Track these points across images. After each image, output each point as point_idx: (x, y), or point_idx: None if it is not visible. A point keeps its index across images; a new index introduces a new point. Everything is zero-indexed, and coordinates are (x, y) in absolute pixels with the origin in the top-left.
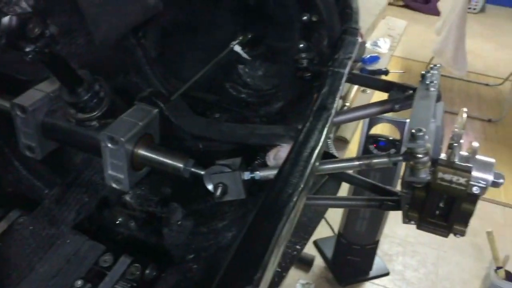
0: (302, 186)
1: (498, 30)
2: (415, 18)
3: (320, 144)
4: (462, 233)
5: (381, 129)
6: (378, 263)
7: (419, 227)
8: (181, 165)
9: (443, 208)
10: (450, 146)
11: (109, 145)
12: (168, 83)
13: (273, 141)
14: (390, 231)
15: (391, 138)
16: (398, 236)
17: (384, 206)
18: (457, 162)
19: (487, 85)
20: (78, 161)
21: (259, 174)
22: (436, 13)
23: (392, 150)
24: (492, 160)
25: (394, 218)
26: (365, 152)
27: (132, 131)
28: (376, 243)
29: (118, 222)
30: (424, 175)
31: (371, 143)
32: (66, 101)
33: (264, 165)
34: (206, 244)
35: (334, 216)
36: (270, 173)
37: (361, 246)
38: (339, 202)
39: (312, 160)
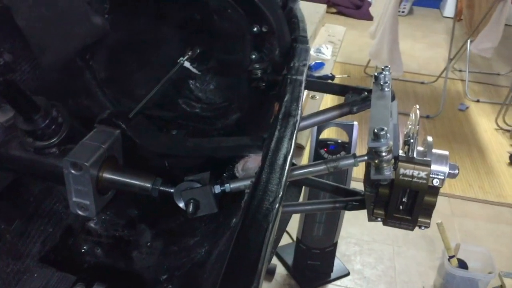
0: (281, 193)
1: (426, 30)
2: (349, 23)
3: (291, 151)
4: (427, 225)
5: (328, 133)
6: (338, 265)
7: (385, 223)
8: (148, 185)
9: (407, 202)
10: (407, 143)
11: (72, 171)
12: (119, 104)
13: (241, 152)
14: (345, 232)
15: (340, 141)
16: (354, 236)
17: (350, 207)
18: (416, 157)
19: (422, 83)
20: (37, 191)
21: (229, 186)
22: (369, 17)
23: (342, 153)
24: (446, 152)
25: (348, 219)
26: (316, 157)
27: (96, 155)
28: (334, 245)
29: (83, 250)
30: (388, 172)
31: (322, 147)
32: (23, 130)
33: (233, 177)
34: (179, 263)
35: (291, 223)
36: (240, 184)
37: (320, 250)
38: (304, 207)
39: (287, 167)
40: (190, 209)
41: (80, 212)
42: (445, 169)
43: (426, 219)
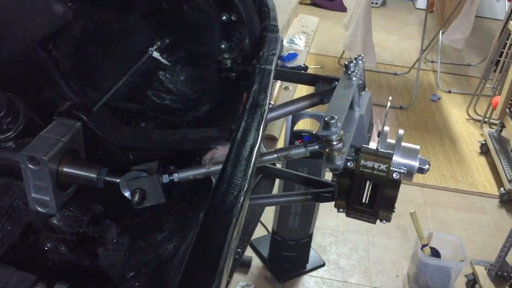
0: (246, 186)
1: (399, 22)
2: (323, 15)
3: (258, 142)
4: (388, 219)
5: (303, 124)
6: (313, 256)
7: (348, 215)
8: (93, 175)
9: (369, 195)
10: (379, 134)
11: (30, 166)
12: (85, 96)
13: (208, 144)
14: (321, 223)
15: (314, 132)
16: (329, 227)
17: (321, 198)
18: (380, 150)
19: (395, 74)
20: None
21: (177, 176)
22: (343, 9)
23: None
24: (417, 146)
25: (324, 210)
26: None
27: (55, 149)
28: (309, 237)
29: (46, 248)
30: (340, 161)
31: (296, 139)
32: None
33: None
34: (146, 259)
35: (267, 215)
36: (190, 173)
37: (295, 241)
38: (276, 199)
39: (253, 159)
40: (136, 198)
41: (39, 209)
42: (414, 163)
43: (387, 212)
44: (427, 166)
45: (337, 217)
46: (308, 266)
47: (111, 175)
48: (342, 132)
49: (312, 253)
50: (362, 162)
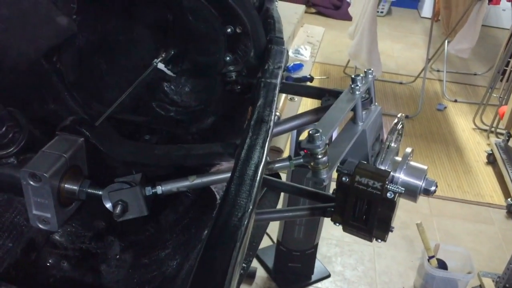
0: (251, 207)
1: (404, 31)
2: (328, 24)
3: (263, 160)
4: (382, 239)
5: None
6: (318, 267)
7: (344, 230)
8: (75, 187)
9: (365, 212)
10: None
11: (31, 182)
12: (90, 108)
13: (212, 160)
14: (326, 233)
15: None
16: (334, 237)
17: (328, 213)
18: (377, 167)
19: (401, 83)
20: None
21: (160, 188)
22: (348, 18)
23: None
24: (424, 167)
25: (329, 221)
26: None
27: (57, 165)
28: (315, 247)
29: (48, 264)
30: (324, 175)
31: (302, 149)
32: None
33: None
34: (149, 276)
35: (272, 225)
36: (174, 186)
37: (300, 252)
38: (282, 214)
39: (258, 178)
40: (117, 210)
41: (40, 226)
42: (418, 183)
43: (381, 232)
44: (433, 188)
45: None
46: (314, 277)
47: (93, 187)
48: (327, 145)
49: (317, 264)
50: (357, 178)
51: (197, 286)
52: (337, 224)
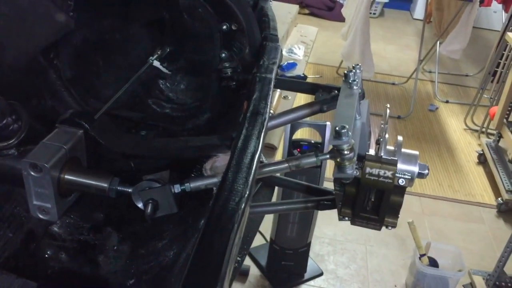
0: (247, 192)
1: (397, 32)
2: (322, 25)
3: (259, 149)
4: (394, 225)
5: (301, 134)
6: (311, 265)
7: (353, 223)
8: (105, 185)
9: (374, 202)
10: (378, 142)
11: (32, 173)
12: (86, 104)
13: (209, 152)
14: (319, 232)
15: (313, 142)
16: (327, 236)
17: (321, 206)
18: (384, 157)
19: (393, 84)
20: None
21: (189, 185)
22: (341, 19)
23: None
24: (416, 152)
25: (322, 219)
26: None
27: (57, 156)
28: (308, 246)
29: (47, 255)
30: (350, 170)
31: (295, 147)
32: None
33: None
34: (146, 267)
35: (265, 224)
36: (202, 183)
37: (293, 250)
38: (276, 207)
39: (254, 166)
40: (149, 209)
41: (41, 216)
42: (414, 168)
43: (393, 219)
44: (426, 171)
45: (335, 226)
46: (306, 276)
47: (122, 185)
48: (353, 141)
49: (310, 262)
50: (368, 170)
51: (198, 264)
52: (346, 219)
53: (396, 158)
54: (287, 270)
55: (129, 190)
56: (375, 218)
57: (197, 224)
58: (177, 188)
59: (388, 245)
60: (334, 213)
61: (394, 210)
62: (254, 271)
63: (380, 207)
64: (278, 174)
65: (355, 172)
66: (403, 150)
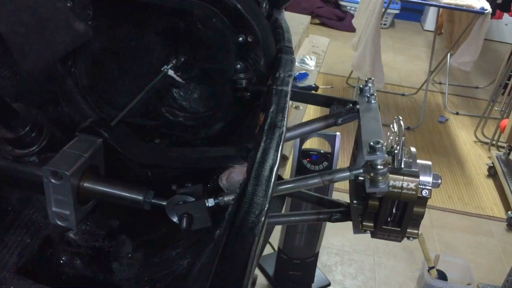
0: (267, 205)
1: (407, 43)
2: (332, 35)
3: (278, 162)
4: (415, 235)
5: (310, 144)
6: (319, 275)
7: (373, 236)
8: (140, 198)
9: (396, 214)
10: (389, 153)
11: (53, 180)
12: (101, 111)
13: (226, 163)
14: (326, 242)
15: (322, 152)
16: (335, 246)
17: (334, 218)
18: (404, 168)
19: (403, 95)
20: (15, 200)
21: (223, 199)
22: (351, 29)
23: (325, 163)
24: (429, 162)
25: (330, 229)
26: (299, 167)
27: (77, 164)
28: (315, 256)
29: (62, 261)
30: (383, 185)
31: (304, 157)
32: (1, 137)
33: (218, 188)
34: (160, 275)
35: (273, 233)
36: (234, 197)
37: (301, 260)
38: (289, 218)
39: (273, 179)
40: (184, 223)
41: (59, 222)
42: (429, 179)
43: (414, 229)
44: (439, 181)
45: (343, 237)
46: (314, 286)
47: (157, 198)
48: (387, 156)
49: (317, 272)
50: (391, 182)
51: (220, 276)
52: (367, 232)
53: (417, 170)
54: (295, 280)
55: (164, 203)
56: (397, 230)
57: (211, 234)
58: (211, 202)
59: (397, 257)
60: (342, 224)
61: (416, 221)
62: (261, 280)
63: (402, 219)
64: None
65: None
66: (419, 161)
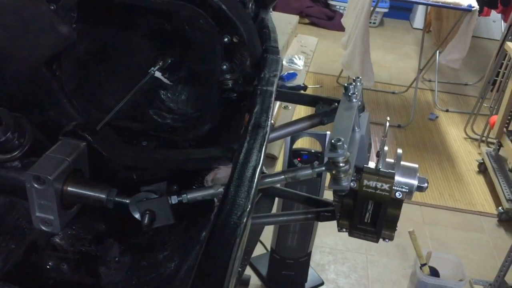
0: (249, 206)
1: (397, 41)
2: (322, 34)
3: (261, 163)
4: (390, 238)
5: (301, 143)
6: (312, 274)
7: (350, 234)
8: (103, 196)
9: (371, 214)
10: (378, 154)
11: (35, 185)
12: (88, 115)
13: (211, 164)
14: (319, 241)
15: (313, 151)
16: (327, 245)
17: (322, 218)
18: (382, 169)
19: (393, 93)
20: None
21: (186, 197)
22: (341, 28)
23: (316, 162)
24: (416, 165)
25: (322, 228)
26: (290, 166)
27: (60, 168)
28: (308, 255)
29: (48, 266)
30: (346, 183)
31: (295, 157)
32: None
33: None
34: (147, 278)
35: (265, 233)
36: (198, 194)
37: (294, 260)
38: (277, 219)
39: (255, 180)
40: (146, 220)
41: (43, 228)
42: (413, 182)
43: (390, 231)
44: (425, 185)
45: (336, 236)
46: (307, 285)
47: (120, 196)
48: (348, 154)
49: (310, 271)
50: (365, 182)
51: (201, 278)
52: (344, 230)
53: (393, 171)
54: (288, 280)
55: (127, 201)
56: (372, 230)
57: (198, 236)
58: (174, 200)
59: (389, 255)
60: (334, 222)
61: (391, 223)
62: (254, 280)
63: (377, 219)
64: (278, 185)
65: (352, 184)
66: (402, 163)
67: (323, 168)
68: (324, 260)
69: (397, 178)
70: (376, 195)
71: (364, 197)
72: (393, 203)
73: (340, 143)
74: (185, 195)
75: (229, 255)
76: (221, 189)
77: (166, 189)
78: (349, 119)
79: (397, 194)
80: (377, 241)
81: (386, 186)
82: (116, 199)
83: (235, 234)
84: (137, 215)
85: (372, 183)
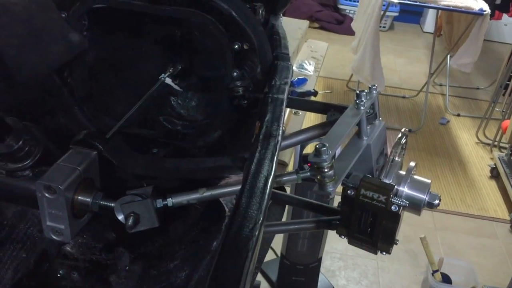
0: (261, 218)
1: (407, 45)
2: (332, 38)
3: (272, 173)
4: (387, 251)
5: (311, 148)
6: (322, 280)
7: (349, 242)
8: (88, 199)
9: (369, 225)
10: (384, 164)
11: (46, 194)
12: (99, 122)
13: (221, 173)
14: (330, 247)
15: None
16: (338, 251)
17: (333, 226)
18: (382, 180)
19: (404, 97)
20: (10, 215)
21: (171, 200)
22: (350, 33)
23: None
24: (428, 181)
25: (332, 234)
26: None
27: (71, 177)
28: (319, 261)
29: (59, 275)
30: (331, 188)
31: (305, 162)
32: None
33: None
34: (158, 287)
35: (276, 239)
36: (184, 198)
37: (304, 266)
38: (287, 227)
39: (267, 191)
40: (130, 222)
41: (54, 237)
42: (422, 196)
43: (386, 244)
44: (436, 201)
45: (346, 241)
46: None
47: (106, 199)
48: (333, 159)
49: (321, 277)
50: (362, 191)
51: None
52: (343, 237)
53: (393, 184)
54: (298, 286)
55: (112, 205)
56: (369, 241)
57: (209, 246)
58: (159, 203)
59: (400, 261)
60: None
61: (388, 236)
62: (264, 286)
63: (374, 231)
64: (288, 191)
65: (350, 192)
66: (415, 176)
67: (308, 174)
68: (334, 266)
69: (406, 191)
70: (372, 206)
71: (360, 206)
72: (388, 215)
73: (325, 148)
74: (170, 199)
75: (242, 270)
76: (206, 193)
77: (152, 193)
78: (348, 125)
79: (392, 207)
80: (375, 253)
81: (382, 198)
82: (102, 202)
83: (247, 248)
84: (120, 217)
85: (369, 193)
